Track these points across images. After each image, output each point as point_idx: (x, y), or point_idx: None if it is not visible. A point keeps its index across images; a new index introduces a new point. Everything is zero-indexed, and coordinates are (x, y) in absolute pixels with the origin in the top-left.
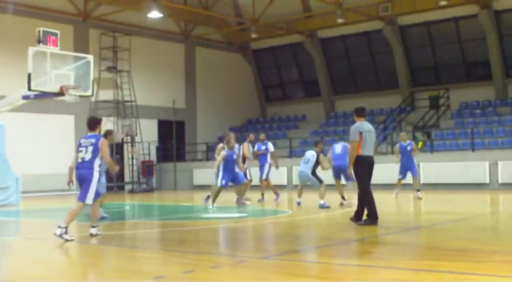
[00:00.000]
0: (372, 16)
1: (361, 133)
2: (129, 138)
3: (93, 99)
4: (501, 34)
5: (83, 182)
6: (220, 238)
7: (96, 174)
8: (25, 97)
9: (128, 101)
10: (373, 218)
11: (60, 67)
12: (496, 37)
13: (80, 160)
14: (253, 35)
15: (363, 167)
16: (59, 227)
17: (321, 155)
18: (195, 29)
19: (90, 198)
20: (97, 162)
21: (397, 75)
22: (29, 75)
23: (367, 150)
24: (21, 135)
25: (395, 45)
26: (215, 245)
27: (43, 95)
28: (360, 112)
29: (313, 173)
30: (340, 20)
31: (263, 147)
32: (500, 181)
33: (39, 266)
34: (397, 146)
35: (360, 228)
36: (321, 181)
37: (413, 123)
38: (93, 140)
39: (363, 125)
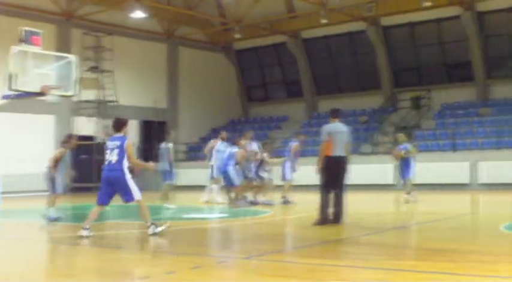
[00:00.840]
0: (355, 17)
1: (330, 134)
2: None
3: (75, 99)
4: (483, 35)
5: (114, 184)
6: (201, 238)
7: (127, 173)
8: (6, 97)
9: (110, 101)
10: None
11: (42, 67)
12: (478, 38)
13: (106, 162)
14: (237, 35)
15: (332, 168)
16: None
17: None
18: (178, 29)
19: (137, 193)
20: (125, 163)
21: (380, 75)
22: (10, 75)
23: (338, 151)
24: (1, 136)
25: (378, 46)
26: (196, 245)
27: (24, 95)
28: (334, 113)
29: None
30: (323, 21)
31: None
32: (480, 181)
33: (19, 267)
34: (396, 148)
35: (341, 228)
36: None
37: (395, 124)
38: (118, 142)
39: (333, 126)
